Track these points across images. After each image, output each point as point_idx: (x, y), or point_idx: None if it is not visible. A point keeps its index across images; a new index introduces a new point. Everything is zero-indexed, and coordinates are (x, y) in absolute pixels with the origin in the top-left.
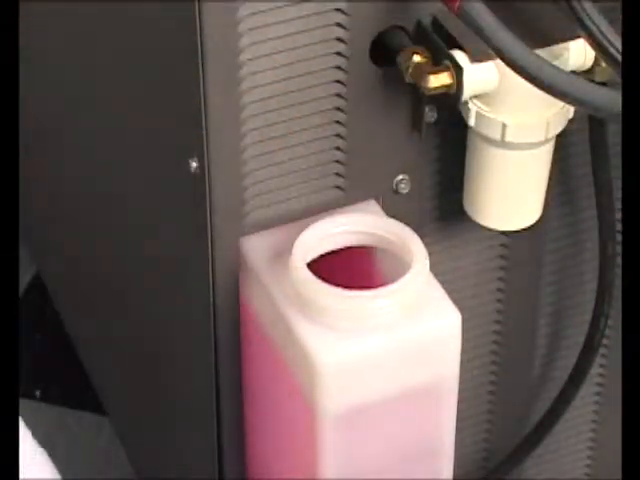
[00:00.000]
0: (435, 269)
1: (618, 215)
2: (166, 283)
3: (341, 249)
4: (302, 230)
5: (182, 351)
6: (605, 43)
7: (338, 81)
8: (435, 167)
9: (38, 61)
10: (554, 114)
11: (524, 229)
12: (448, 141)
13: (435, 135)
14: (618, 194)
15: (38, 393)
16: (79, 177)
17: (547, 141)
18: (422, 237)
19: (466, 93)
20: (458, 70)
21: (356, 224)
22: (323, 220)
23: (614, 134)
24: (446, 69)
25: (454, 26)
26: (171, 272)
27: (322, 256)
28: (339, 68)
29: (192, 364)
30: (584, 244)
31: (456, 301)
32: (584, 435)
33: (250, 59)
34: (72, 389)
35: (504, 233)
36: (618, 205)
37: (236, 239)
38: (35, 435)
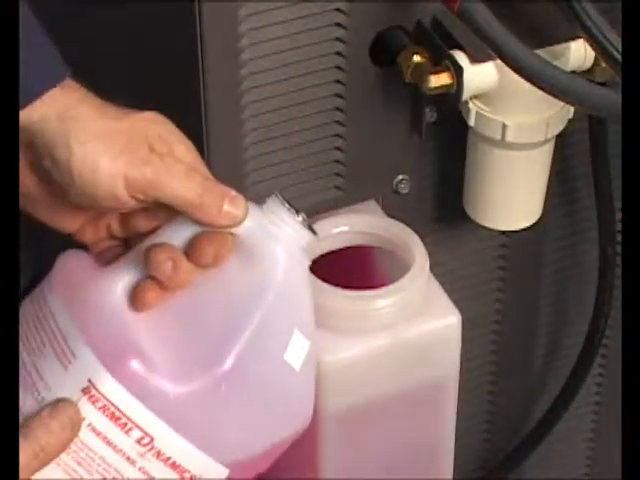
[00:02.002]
0: (435, 269)
1: (618, 215)
2: None
3: (341, 249)
4: None
5: None
6: (605, 43)
7: (338, 81)
8: (435, 167)
9: None
10: (554, 114)
11: (524, 229)
12: (448, 141)
13: (435, 135)
14: (618, 194)
15: None
16: None
17: (547, 141)
18: (422, 237)
19: (466, 93)
20: (458, 70)
21: (356, 224)
22: (323, 220)
23: (614, 134)
24: (446, 69)
25: (454, 26)
26: None
27: (322, 256)
28: (339, 68)
29: None
30: (584, 244)
31: (456, 301)
32: (584, 435)
33: (250, 59)
34: None
35: (504, 233)
36: (618, 205)
37: None
38: None
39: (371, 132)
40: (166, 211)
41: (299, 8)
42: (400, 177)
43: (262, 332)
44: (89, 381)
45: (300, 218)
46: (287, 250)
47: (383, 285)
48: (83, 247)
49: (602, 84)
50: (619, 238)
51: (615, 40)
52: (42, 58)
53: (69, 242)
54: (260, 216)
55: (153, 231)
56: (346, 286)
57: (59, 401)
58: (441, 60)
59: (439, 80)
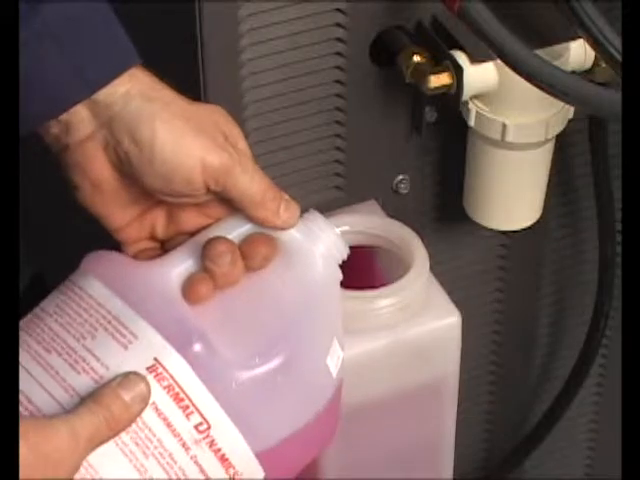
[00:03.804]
0: (435, 269)
1: (618, 215)
2: None
3: None
4: None
5: None
6: (605, 43)
7: (338, 81)
8: (435, 167)
9: None
10: (554, 114)
11: (524, 229)
12: (448, 141)
13: (435, 135)
14: (618, 194)
15: None
16: None
17: (547, 141)
18: (422, 237)
19: (466, 93)
20: (458, 70)
21: (356, 224)
22: None
23: (614, 134)
24: (446, 69)
25: (454, 26)
26: None
27: None
28: (339, 68)
29: None
30: (584, 244)
31: (456, 301)
32: (584, 435)
33: (250, 59)
34: None
35: (504, 233)
36: (618, 205)
37: None
38: None
39: (371, 132)
40: (218, 209)
41: (299, 8)
42: (400, 177)
43: (309, 333)
44: (155, 359)
45: (338, 231)
46: (326, 260)
47: (383, 285)
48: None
49: (602, 84)
50: (619, 238)
51: (615, 40)
52: (121, 37)
53: (69, 242)
54: (301, 224)
55: (197, 232)
56: (346, 286)
57: (129, 374)
58: (441, 60)
59: (439, 80)
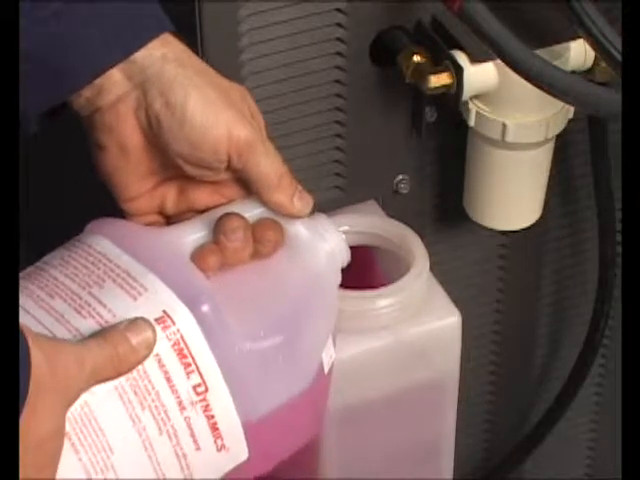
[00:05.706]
0: (435, 269)
1: (618, 215)
2: None
3: None
4: None
5: None
6: (605, 43)
7: (338, 81)
8: (435, 167)
9: None
10: (554, 114)
11: (524, 229)
12: (448, 141)
13: (435, 135)
14: (618, 194)
15: None
16: (79, 176)
17: (547, 141)
18: (422, 237)
19: (466, 93)
20: (458, 70)
21: (356, 224)
22: None
23: (614, 134)
24: (446, 69)
25: (454, 26)
26: None
27: None
28: (339, 68)
29: None
30: (584, 244)
31: (456, 301)
32: (584, 435)
33: (250, 59)
34: None
35: (504, 233)
36: (618, 205)
37: None
38: None
39: (371, 132)
40: (232, 189)
41: (299, 8)
42: (400, 177)
43: (310, 322)
44: (164, 312)
45: (344, 236)
46: (330, 259)
47: (383, 285)
48: None
49: (602, 84)
50: (619, 238)
51: (615, 40)
52: (154, 4)
53: (70, 237)
54: (309, 222)
55: (205, 211)
56: (346, 286)
57: (137, 318)
58: (441, 60)
59: (439, 80)
